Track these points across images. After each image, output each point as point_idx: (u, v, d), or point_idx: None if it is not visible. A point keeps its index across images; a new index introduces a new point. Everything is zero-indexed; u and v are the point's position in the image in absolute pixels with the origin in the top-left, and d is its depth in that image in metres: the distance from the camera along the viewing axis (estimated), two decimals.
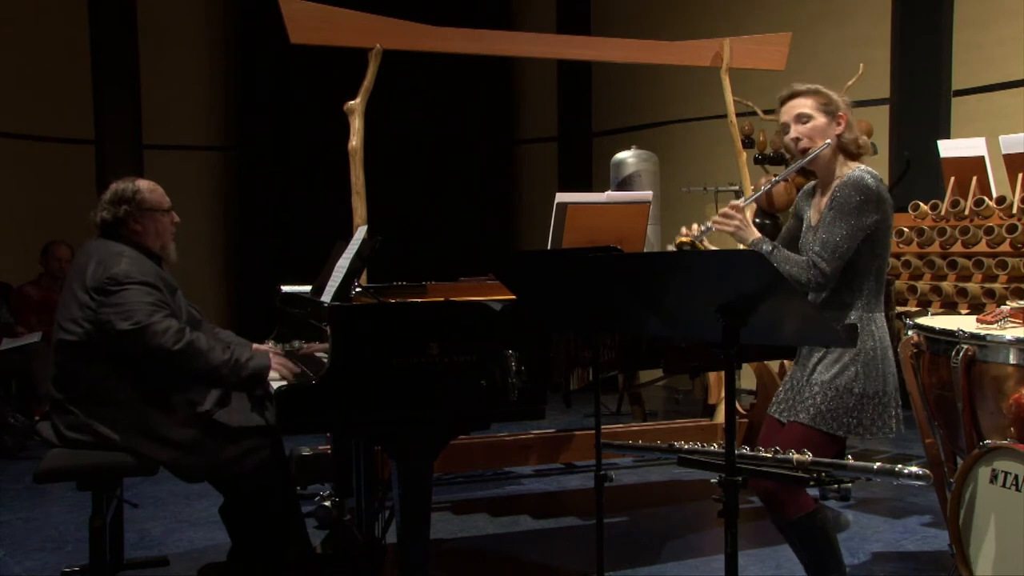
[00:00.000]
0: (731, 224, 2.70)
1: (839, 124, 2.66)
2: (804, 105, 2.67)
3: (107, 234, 3.10)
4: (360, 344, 2.62)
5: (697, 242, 2.75)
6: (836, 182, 2.65)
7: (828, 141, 2.64)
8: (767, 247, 2.66)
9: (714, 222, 2.72)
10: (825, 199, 2.68)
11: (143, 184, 3.14)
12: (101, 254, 3.01)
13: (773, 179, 2.92)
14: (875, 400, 2.58)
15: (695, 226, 2.73)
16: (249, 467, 3.00)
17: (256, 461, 3.01)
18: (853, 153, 2.69)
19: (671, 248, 2.82)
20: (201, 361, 2.87)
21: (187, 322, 3.07)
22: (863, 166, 2.66)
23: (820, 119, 2.66)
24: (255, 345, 3.45)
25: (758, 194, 2.95)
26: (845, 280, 2.61)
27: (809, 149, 2.65)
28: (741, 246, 2.74)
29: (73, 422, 2.93)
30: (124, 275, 2.91)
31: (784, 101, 2.73)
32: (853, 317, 2.60)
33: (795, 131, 2.68)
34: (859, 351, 2.57)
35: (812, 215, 2.76)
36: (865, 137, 2.72)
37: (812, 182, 2.84)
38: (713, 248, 2.93)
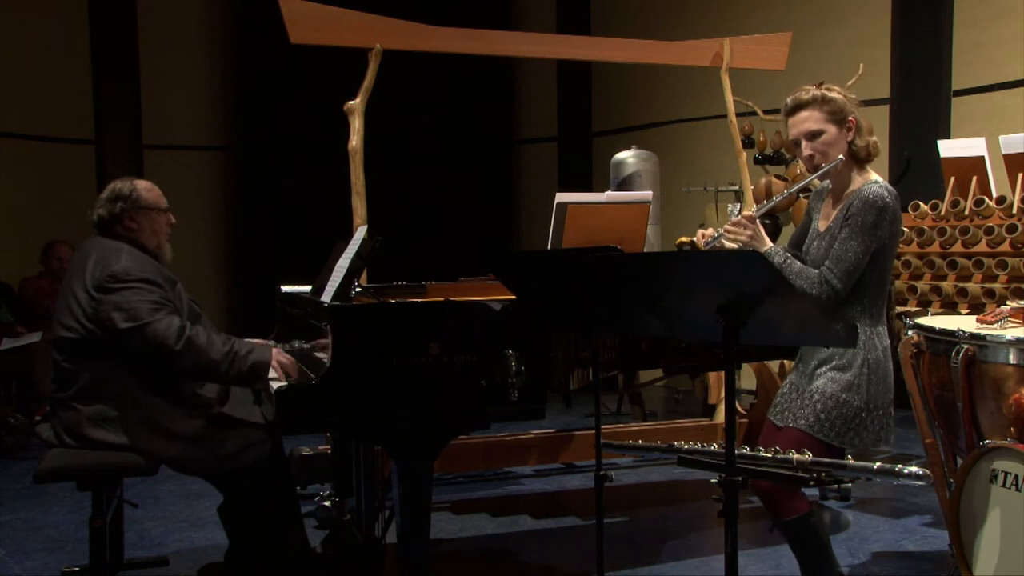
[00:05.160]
0: (744, 235, 2.62)
1: (849, 131, 2.58)
2: (812, 119, 2.57)
3: (104, 232, 3.12)
4: (360, 344, 2.62)
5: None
6: (851, 191, 2.58)
7: (840, 157, 2.56)
8: (779, 259, 2.60)
9: (726, 231, 2.64)
10: (838, 208, 2.61)
11: (140, 184, 3.17)
12: (100, 252, 3.01)
13: (785, 191, 2.85)
14: (875, 413, 2.56)
15: (710, 230, 2.69)
16: (249, 462, 3.00)
17: (256, 457, 3.01)
18: (864, 159, 2.61)
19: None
20: (202, 356, 2.86)
21: (188, 315, 3.08)
22: (879, 179, 2.59)
23: (831, 130, 2.56)
24: (256, 341, 3.44)
25: (770, 204, 2.84)
26: (849, 293, 2.56)
27: (823, 165, 2.57)
28: None
29: (74, 420, 2.93)
30: (124, 272, 2.92)
31: (790, 113, 2.62)
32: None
33: (807, 149, 2.58)
34: (863, 363, 2.54)
35: (820, 221, 2.69)
36: (875, 139, 2.63)
37: (823, 184, 2.78)
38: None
